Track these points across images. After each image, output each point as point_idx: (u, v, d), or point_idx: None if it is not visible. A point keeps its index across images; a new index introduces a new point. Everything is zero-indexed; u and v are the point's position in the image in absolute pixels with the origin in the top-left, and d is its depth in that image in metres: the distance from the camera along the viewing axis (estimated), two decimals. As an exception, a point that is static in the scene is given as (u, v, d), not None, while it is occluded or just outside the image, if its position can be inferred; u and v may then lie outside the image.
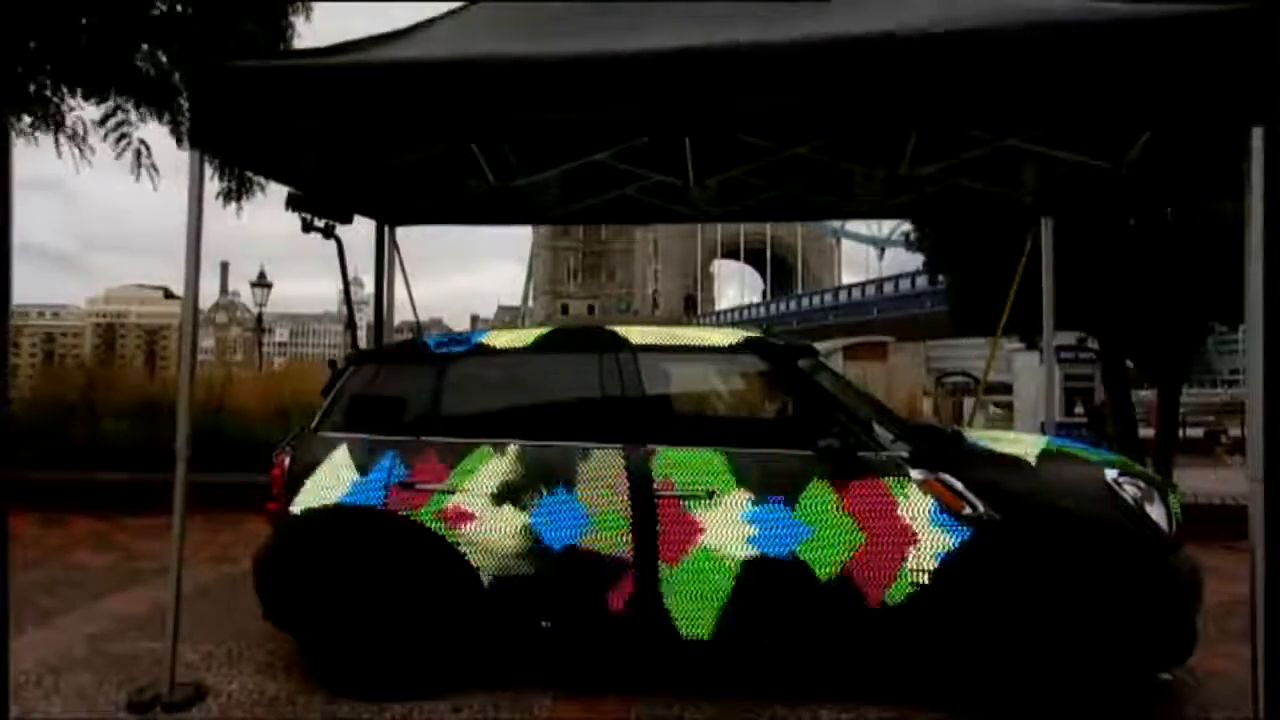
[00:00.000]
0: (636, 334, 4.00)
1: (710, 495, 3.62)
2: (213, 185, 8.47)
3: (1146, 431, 11.11)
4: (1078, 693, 3.34)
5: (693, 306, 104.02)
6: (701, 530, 3.60)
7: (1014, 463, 3.70)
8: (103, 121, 8.16)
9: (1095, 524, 3.46)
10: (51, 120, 8.04)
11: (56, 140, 8.17)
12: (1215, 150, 4.13)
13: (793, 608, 3.56)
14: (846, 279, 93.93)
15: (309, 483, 3.90)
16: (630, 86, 3.39)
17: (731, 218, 6.34)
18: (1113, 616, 3.33)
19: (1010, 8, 3.36)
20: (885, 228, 78.70)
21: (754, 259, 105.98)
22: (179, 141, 8.19)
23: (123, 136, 8.26)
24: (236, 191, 8.69)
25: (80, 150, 8.32)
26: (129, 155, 8.30)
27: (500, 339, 4.16)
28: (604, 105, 3.42)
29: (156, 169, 8.46)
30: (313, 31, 8.85)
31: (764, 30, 3.43)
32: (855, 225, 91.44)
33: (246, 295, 36.84)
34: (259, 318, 29.60)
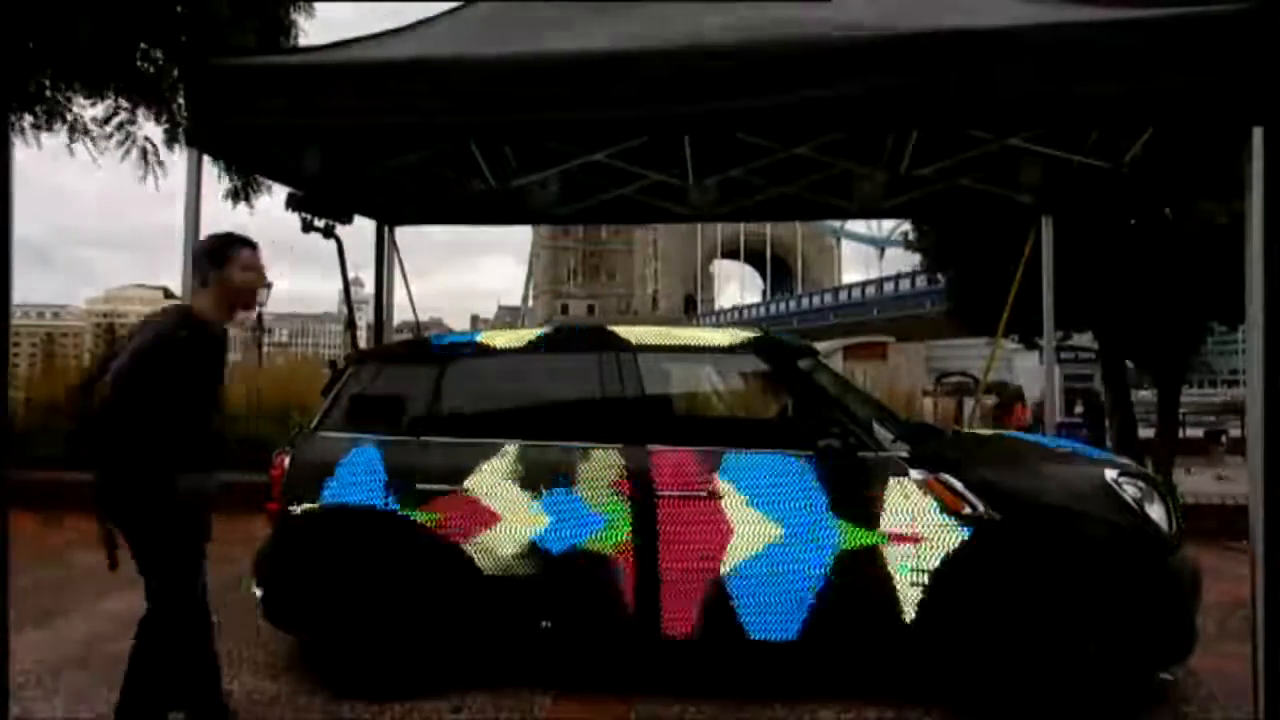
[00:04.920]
0: (636, 334, 4.00)
1: (710, 495, 3.62)
2: (221, 184, 8.44)
3: (1146, 431, 11.11)
4: (1078, 693, 3.34)
5: (693, 306, 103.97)
6: (701, 530, 3.60)
7: (1003, 456, 3.97)
8: (105, 121, 8.13)
9: (1095, 524, 3.46)
10: (53, 120, 7.99)
11: (71, 139, 8.13)
12: (1215, 150, 4.13)
13: (792, 608, 3.56)
14: (846, 279, 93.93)
15: (308, 482, 3.89)
16: (629, 86, 3.38)
17: (731, 218, 6.35)
18: (1113, 616, 3.32)
19: (1013, 8, 3.37)
20: (885, 228, 78.70)
21: (754, 259, 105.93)
22: (170, 143, 8.18)
23: (128, 136, 8.23)
24: (244, 190, 8.64)
25: (69, 147, 8.26)
26: (119, 151, 8.26)
27: (500, 339, 4.16)
28: (603, 105, 3.42)
29: (161, 165, 8.42)
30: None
31: (762, 30, 3.44)
32: (855, 225, 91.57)
33: (246, 295, 36.74)
34: (259, 317, 29.55)
